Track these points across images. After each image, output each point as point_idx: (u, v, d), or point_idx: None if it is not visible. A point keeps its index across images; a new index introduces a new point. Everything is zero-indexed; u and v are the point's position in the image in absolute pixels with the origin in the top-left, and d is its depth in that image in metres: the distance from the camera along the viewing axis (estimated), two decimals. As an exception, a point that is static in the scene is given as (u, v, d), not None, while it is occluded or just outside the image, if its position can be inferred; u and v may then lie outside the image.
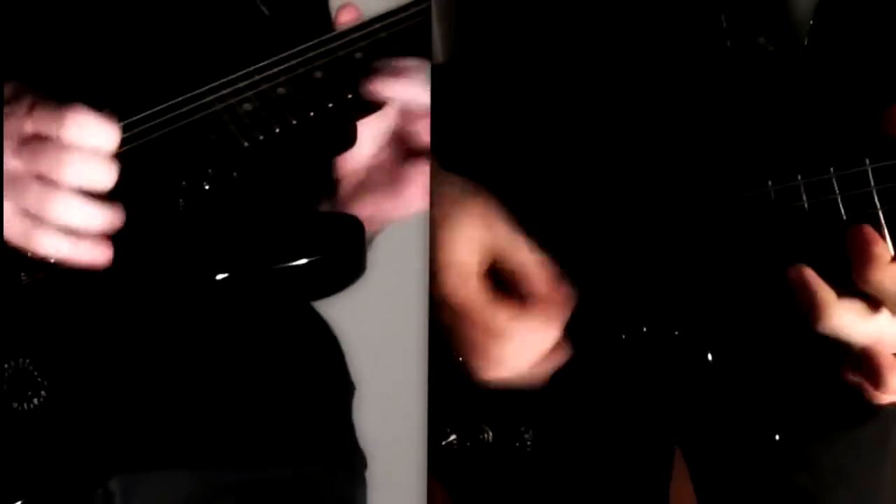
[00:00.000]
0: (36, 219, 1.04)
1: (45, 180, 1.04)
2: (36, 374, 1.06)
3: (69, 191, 1.04)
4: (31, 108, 1.05)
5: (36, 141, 1.04)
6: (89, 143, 1.04)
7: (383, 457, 1.46)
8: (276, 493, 1.21)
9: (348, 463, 1.29)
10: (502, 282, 1.13)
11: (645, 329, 1.14)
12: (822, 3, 1.08)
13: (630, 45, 1.11)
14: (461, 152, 1.18)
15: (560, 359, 1.14)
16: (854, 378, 1.06)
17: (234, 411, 1.21)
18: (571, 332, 1.14)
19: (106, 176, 1.05)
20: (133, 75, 1.12)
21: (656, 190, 1.11)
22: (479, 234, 1.12)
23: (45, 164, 1.04)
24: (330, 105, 1.11)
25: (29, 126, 1.05)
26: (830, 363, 1.07)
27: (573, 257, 1.14)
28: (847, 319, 1.03)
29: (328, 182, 1.19)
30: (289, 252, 1.08)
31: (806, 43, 1.08)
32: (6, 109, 1.05)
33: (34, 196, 1.04)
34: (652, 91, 1.11)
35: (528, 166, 1.16)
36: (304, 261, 1.08)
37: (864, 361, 1.05)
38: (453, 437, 1.22)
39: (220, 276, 1.07)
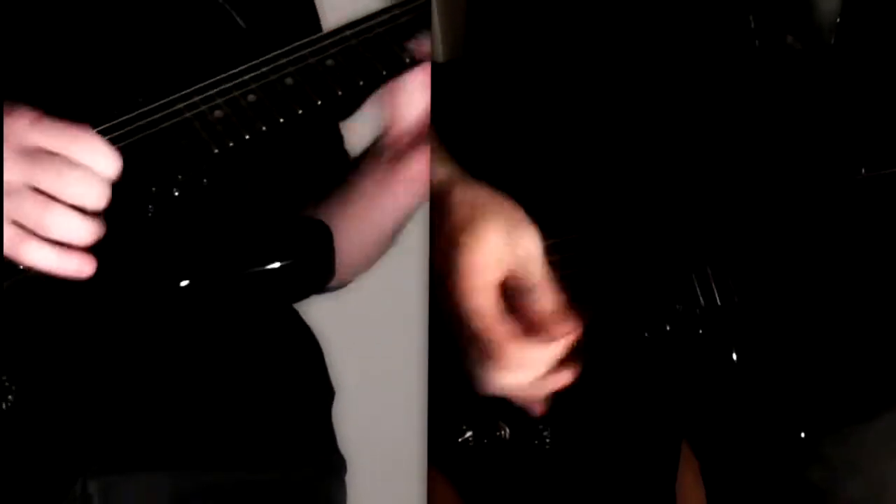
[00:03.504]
0: (28, 230, 1.04)
1: (44, 193, 1.04)
2: (3, 378, 1.05)
3: (67, 206, 1.04)
4: (35, 121, 1.05)
5: (40, 154, 1.04)
6: (96, 165, 1.05)
7: (384, 460, 1.46)
8: (254, 496, 1.22)
9: (327, 466, 1.29)
10: (512, 297, 1.13)
11: (668, 328, 1.14)
12: (848, 2, 1.09)
13: (660, 44, 1.11)
14: (481, 154, 1.18)
15: (566, 379, 1.14)
16: None
17: (213, 414, 1.20)
18: (594, 330, 1.14)
19: (102, 199, 1.06)
20: (107, 83, 1.12)
21: (682, 188, 1.12)
22: (499, 246, 1.12)
23: (49, 179, 1.04)
24: (300, 111, 1.12)
25: (33, 138, 1.04)
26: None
27: (598, 255, 1.13)
28: None
29: (313, 187, 1.20)
30: (258, 257, 1.09)
31: (832, 41, 1.09)
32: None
33: (30, 208, 1.04)
34: (680, 89, 1.11)
35: (553, 161, 1.16)
36: (272, 266, 1.08)
37: None
38: (469, 434, 1.21)
39: (183, 283, 1.07)
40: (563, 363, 1.13)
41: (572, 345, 1.12)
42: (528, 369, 1.13)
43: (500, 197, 1.14)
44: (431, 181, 1.17)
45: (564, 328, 1.12)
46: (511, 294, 1.13)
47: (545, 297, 1.12)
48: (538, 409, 1.15)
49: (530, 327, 1.12)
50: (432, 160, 1.18)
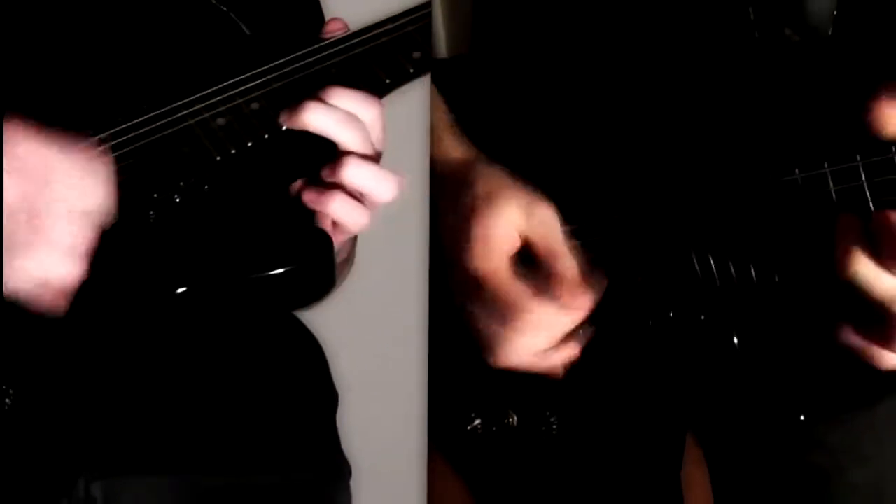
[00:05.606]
0: (10, 252, 1.03)
1: (33, 219, 1.03)
2: (1, 383, 1.06)
3: (51, 246, 1.03)
4: (30, 136, 1.04)
5: (36, 174, 1.03)
6: (83, 203, 1.04)
7: (383, 461, 1.47)
8: (258, 500, 1.23)
9: (331, 470, 1.31)
10: (531, 265, 1.15)
11: (671, 314, 1.16)
12: (845, -6, 1.11)
13: (661, 36, 1.14)
14: (496, 141, 1.20)
15: (573, 352, 1.16)
16: (857, 340, 1.08)
17: (217, 418, 1.22)
18: (598, 318, 1.16)
19: (86, 238, 1.05)
20: (110, 90, 1.13)
21: (684, 177, 1.14)
22: (517, 214, 1.14)
23: (39, 203, 1.03)
24: None
25: (30, 157, 1.04)
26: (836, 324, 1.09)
27: (601, 243, 1.16)
28: (872, 271, 1.05)
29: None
30: (258, 264, 1.09)
31: (830, 33, 1.11)
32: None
33: (21, 235, 1.03)
34: (682, 80, 1.13)
35: (557, 153, 1.18)
36: (273, 272, 1.09)
37: (876, 319, 1.06)
38: (478, 421, 1.23)
39: (179, 290, 1.08)
40: (573, 334, 1.15)
41: (590, 311, 1.14)
42: (543, 331, 1.13)
43: (517, 178, 1.15)
44: (445, 162, 1.19)
45: (581, 297, 1.13)
46: (533, 261, 1.14)
47: (565, 264, 1.13)
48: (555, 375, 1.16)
49: (547, 290, 1.13)
50: (447, 142, 1.20)
